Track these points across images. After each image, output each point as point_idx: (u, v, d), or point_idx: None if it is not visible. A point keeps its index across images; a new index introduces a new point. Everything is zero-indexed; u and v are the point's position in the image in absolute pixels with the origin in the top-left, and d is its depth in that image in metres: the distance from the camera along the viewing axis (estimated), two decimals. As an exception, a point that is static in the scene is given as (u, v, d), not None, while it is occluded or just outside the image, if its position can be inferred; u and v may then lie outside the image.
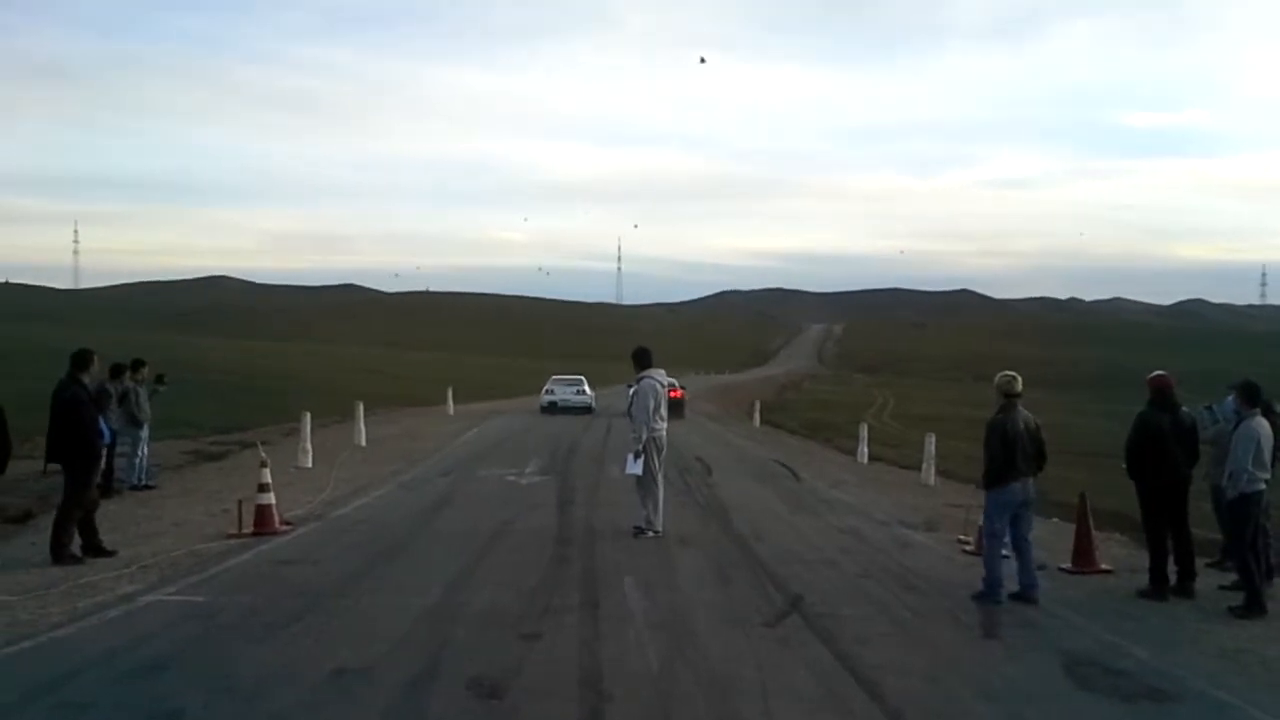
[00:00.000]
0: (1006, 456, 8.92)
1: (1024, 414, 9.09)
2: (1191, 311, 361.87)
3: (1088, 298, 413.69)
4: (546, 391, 39.96)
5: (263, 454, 12.54)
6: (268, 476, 11.50)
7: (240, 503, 11.56)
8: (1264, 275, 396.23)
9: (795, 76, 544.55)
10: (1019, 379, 9.25)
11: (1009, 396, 9.13)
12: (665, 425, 11.95)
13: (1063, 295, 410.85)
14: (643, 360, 11.93)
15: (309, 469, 17.42)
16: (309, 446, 18.19)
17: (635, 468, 11.64)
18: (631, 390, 12.20)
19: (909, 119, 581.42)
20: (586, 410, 38.12)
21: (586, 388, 40.83)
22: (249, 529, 11.16)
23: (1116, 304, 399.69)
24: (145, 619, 7.66)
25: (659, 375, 11.89)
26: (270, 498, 11.46)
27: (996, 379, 9.34)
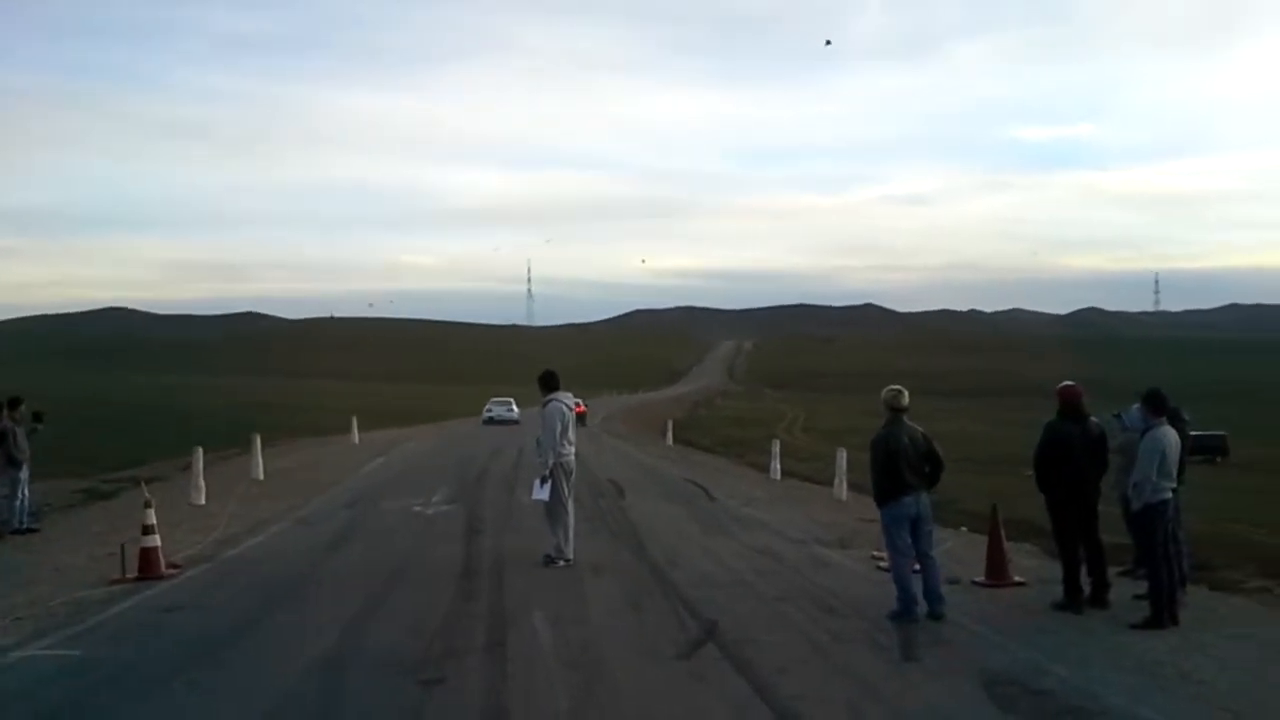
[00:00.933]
0: (891, 471, 8.85)
1: (910, 426, 8.98)
2: (1088, 320, 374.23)
3: (988, 309, 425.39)
4: (486, 409, 52.23)
5: (146, 493, 11.85)
6: (152, 517, 10.84)
7: (124, 545, 10.87)
8: (1157, 283, 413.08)
9: (697, 98, 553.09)
10: (905, 393, 9.13)
11: (894, 410, 9.03)
12: (573, 449, 11.61)
13: (963, 308, 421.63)
14: (549, 383, 11.60)
15: (202, 505, 16.62)
16: (202, 483, 17.37)
17: (542, 493, 11.28)
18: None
19: (811, 138, 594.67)
20: (514, 423, 47.42)
21: (514, 407, 51.90)
22: (133, 573, 10.49)
23: (1015, 314, 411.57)
24: (15, 677, 7.07)
25: (566, 398, 11.57)
26: (155, 540, 10.79)
27: (883, 393, 9.23)
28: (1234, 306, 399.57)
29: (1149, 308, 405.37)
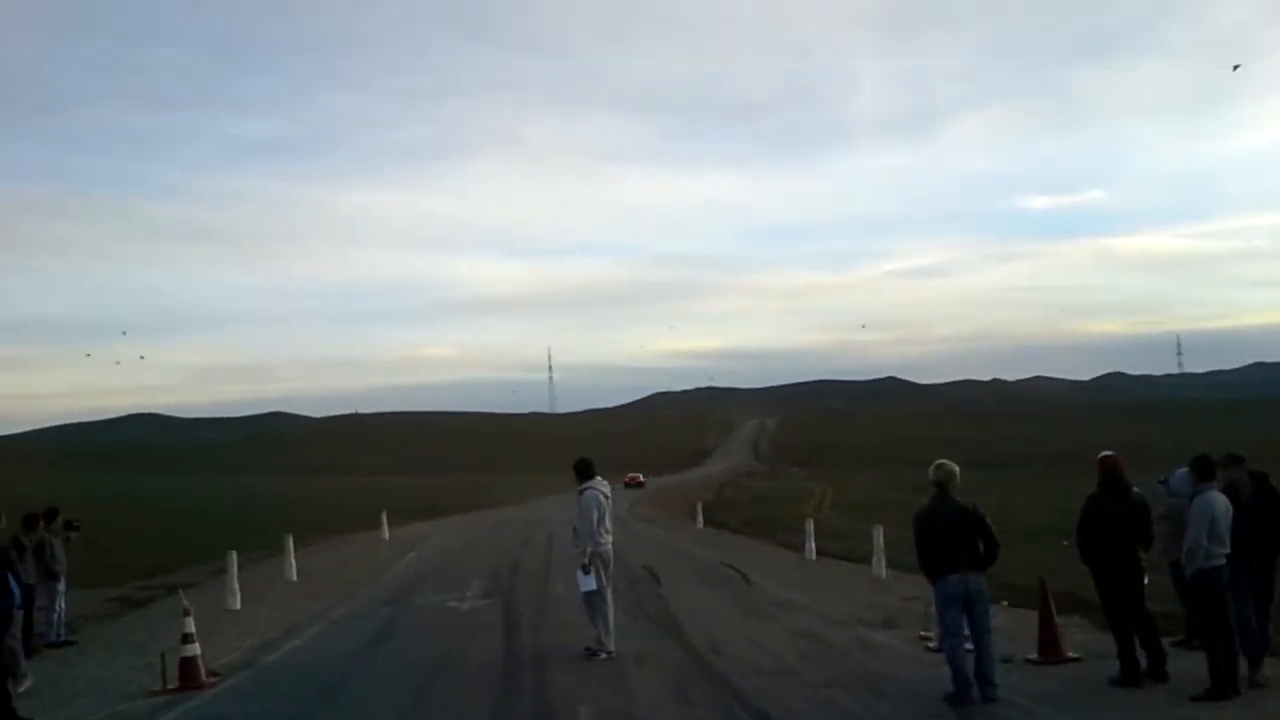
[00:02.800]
0: (927, 548, 8.76)
1: (957, 502, 8.82)
2: (1111, 385, 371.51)
3: (1010, 378, 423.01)
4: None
5: (185, 601, 11.81)
6: (191, 625, 10.79)
7: (163, 655, 10.81)
8: (1179, 345, 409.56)
9: (702, 182, 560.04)
10: (946, 466, 8.99)
11: (939, 485, 8.92)
12: (610, 538, 11.52)
13: (985, 377, 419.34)
14: (585, 471, 11.56)
15: (238, 610, 16.54)
16: (236, 587, 17.32)
17: (588, 583, 11.15)
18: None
19: (818, 216, 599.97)
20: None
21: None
22: (174, 684, 10.41)
23: (1038, 382, 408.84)
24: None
25: (602, 486, 11.51)
26: (195, 648, 10.72)
27: (930, 469, 9.12)
28: (1258, 365, 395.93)
29: (1173, 369, 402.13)
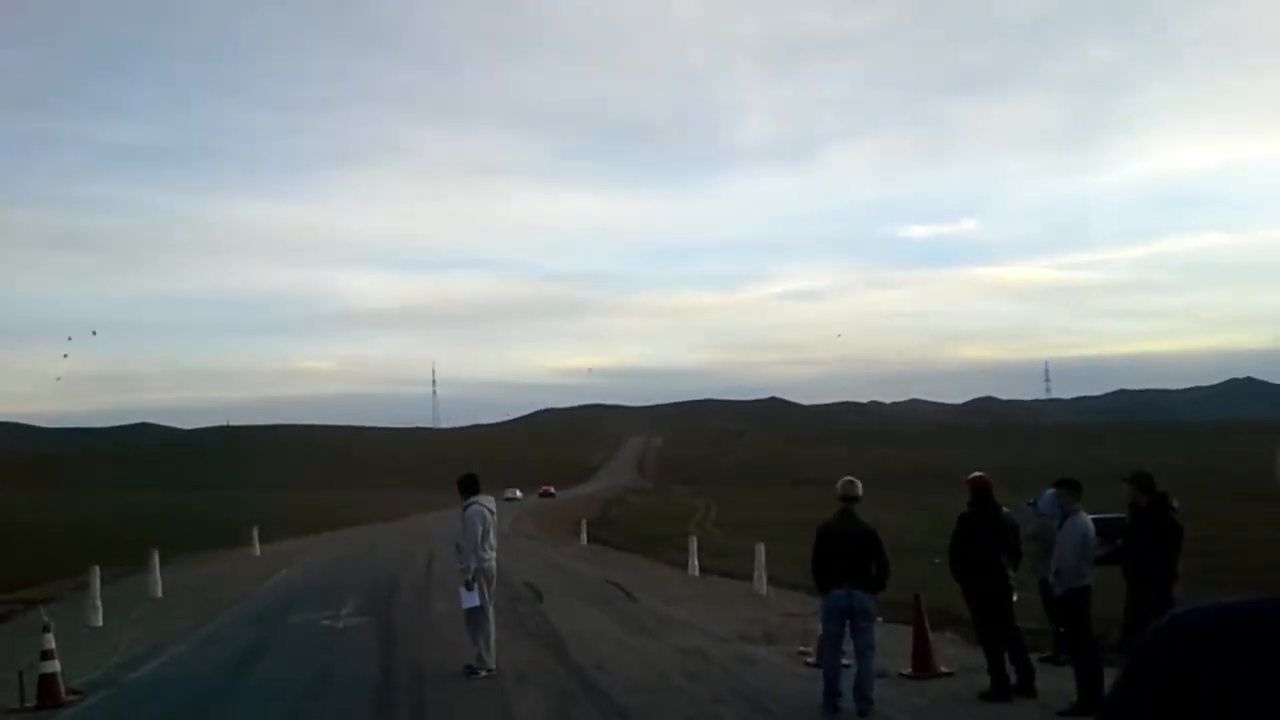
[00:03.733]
0: (822, 561, 8.93)
1: (858, 520, 9.01)
2: (983, 409, 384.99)
3: (887, 400, 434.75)
4: (506, 495, 68.38)
5: (45, 617, 11.24)
6: (51, 642, 10.27)
7: (21, 672, 10.25)
8: (1047, 372, 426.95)
9: (589, 201, 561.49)
10: (856, 483, 9.18)
11: (843, 500, 9.10)
12: (494, 554, 11.40)
13: (864, 399, 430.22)
14: (469, 486, 11.43)
15: (100, 627, 15.80)
16: (99, 603, 16.54)
17: (471, 600, 10.99)
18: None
19: (703, 239, 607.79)
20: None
21: (518, 492, 75.63)
22: (32, 703, 9.90)
23: (914, 405, 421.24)
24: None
25: (487, 501, 11.40)
26: (55, 665, 10.22)
27: (837, 483, 9.30)
28: (1122, 392, 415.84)
29: (1041, 395, 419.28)
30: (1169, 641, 1.22)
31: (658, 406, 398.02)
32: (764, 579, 18.58)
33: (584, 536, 38.82)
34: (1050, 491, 9.60)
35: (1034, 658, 9.68)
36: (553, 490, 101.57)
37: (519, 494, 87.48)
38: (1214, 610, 1.23)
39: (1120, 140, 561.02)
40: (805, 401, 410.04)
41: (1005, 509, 9.61)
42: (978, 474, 9.86)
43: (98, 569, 17.36)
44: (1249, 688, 1.14)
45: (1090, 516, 9.09)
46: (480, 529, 11.13)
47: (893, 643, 11.65)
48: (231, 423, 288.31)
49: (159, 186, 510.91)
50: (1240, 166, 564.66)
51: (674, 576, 23.43)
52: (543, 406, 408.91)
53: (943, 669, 10.30)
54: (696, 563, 23.52)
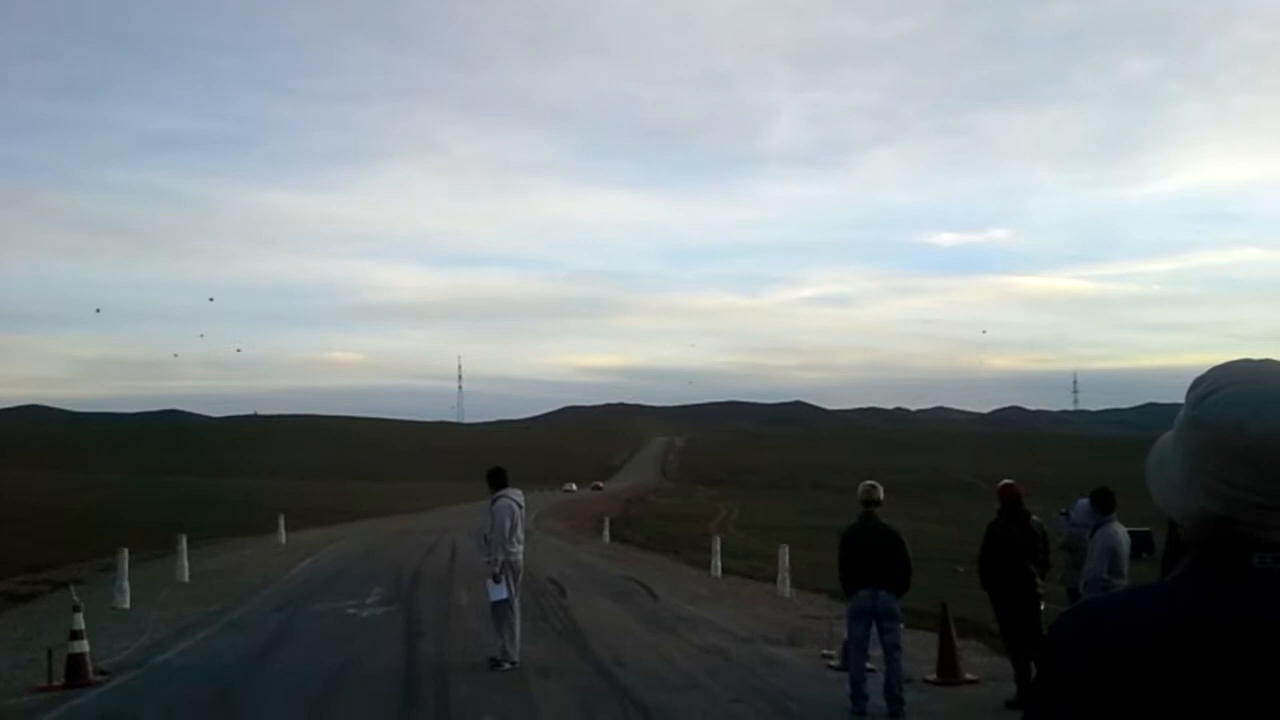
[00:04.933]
0: (848, 563, 8.89)
1: (881, 523, 8.99)
2: (1010, 419, 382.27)
3: (912, 407, 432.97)
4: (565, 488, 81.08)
5: (75, 596, 11.36)
6: (81, 622, 10.38)
7: (50, 651, 10.37)
8: (1075, 383, 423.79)
9: (618, 200, 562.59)
10: (877, 487, 9.16)
11: (865, 504, 9.07)
12: (522, 548, 11.43)
13: (889, 406, 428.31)
14: (498, 480, 11.45)
15: (127, 609, 15.97)
16: (126, 585, 16.71)
17: (498, 592, 11.02)
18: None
19: (731, 241, 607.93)
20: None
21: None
22: (60, 681, 10.00)
23: (939, 413, 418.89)
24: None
25: (515, 495, 11.41)
26: (84, 645, 10.32)
27: (858, 488, 9.29)
28: (1152, 405, 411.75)
29: (1069, 406, 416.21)
30: (1074, 626, 1.30)
31: (681, 407, 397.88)
32: (787, 581, 18.53)
33: (607, 534, 38.85)
34: (1083, 501, 9.53)
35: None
36: (601, 484, 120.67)
37: (574, 487, 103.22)
38: (1119, 595, 1.34)
39: (1153, 153, 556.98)
40: (830, 406, 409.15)
41: (1035, 518, 9.55)
42: (1007, 482, 9.80)
43: (126, 551, 17.53)
44: (1147, 666, 1.22)
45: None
46: (508, 522, 11.15)
47: (918, 649, 11.58)
48: (260, 412, 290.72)
49: (195, 175, 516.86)
50: (1274, 183, 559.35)
51: (696, 576, 23.40)
52: (566, 404, 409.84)
53: (968, 676, 10.24)
54: (719, 563, 23.49)
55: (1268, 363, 1.32)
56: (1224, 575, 1.26)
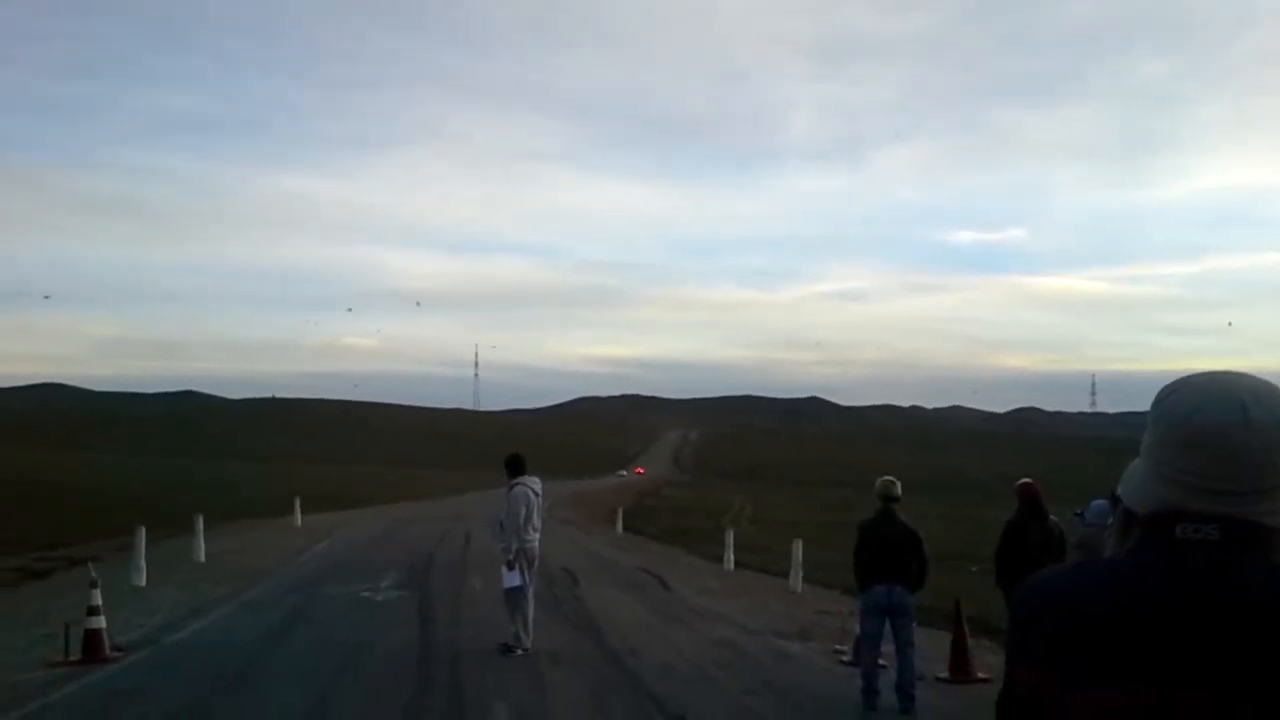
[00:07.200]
0: (864, 558, 8.86)
1: (899, 520, 8.97)
2: (1026, 419, 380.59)
3: (928, 405, 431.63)
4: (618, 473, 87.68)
5: (93, 573, 11.46)
6: (98, 598, 10.48)
7: (68, 627, 10.47)
8: (1094, 385, 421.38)
9: (636, 191, 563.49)
10: (895, 483, 9.14)
11: (884, 500, 9.05)
12: (537, 536, 11.45)
13: (905, 403, 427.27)
14: (516, 467, 11.47)
15: (143, 588, 16.09)
16: (143, 564, 16.85)
17: (512, 579, 11.05)
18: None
19: (747, 235, 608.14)
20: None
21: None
22: (76, 656, 10.10)
23: (955, 411, 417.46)
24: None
25: (532, 482, 11.42)
26: (101, 621, 10.42)
27: (876, 482, 9.26)
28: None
29: (1086, 408, 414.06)
30: (1028, 597, 1.42)
31: (696, 400, 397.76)
32: (800, 576, 18.54)
33: (620, 525, 38.91)
34: (1099, 502, 9.46)
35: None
36: (641, 470, 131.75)
37: (625, 473, 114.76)
38: (1071, 567, 1.47)
39: (1171, 155, 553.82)
40: (845, 403, 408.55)
41: (1054, 517, 9.51)
42: (1026, 480, 9.76)
43: (143, 530, 17.66)
44: (1094, 631, 1.33)
45: None
46: (524, 510, 11.17)
47: (930, 647, 11.57)
48: (277, 395, 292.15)
49: (211, 158, 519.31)
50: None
51: (709, 569, 23.44)
52: (581, 394, 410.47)
53: (980, 674, 10.22)
54: (732, 556, 23.52)
55: (1225, 372, 1.46)
56: (1156, 548, 1.36)
